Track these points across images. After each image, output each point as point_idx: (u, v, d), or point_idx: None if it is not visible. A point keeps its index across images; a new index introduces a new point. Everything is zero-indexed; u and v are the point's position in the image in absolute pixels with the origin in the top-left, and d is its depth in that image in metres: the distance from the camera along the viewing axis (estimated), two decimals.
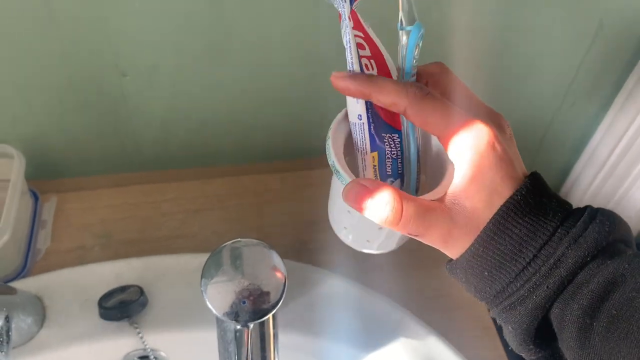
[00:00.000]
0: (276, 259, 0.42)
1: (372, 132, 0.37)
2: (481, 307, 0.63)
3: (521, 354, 0.35)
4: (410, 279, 0.64)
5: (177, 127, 0.73)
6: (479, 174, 0.32)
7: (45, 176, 0.71)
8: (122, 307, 0.55)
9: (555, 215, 0.32)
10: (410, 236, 0.34)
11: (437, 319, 0.59)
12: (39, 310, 0.55)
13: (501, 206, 0.32)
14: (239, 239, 0.42)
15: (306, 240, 0.66)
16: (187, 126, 0.73)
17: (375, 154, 0.37)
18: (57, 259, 0.63)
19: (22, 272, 0.61)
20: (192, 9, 0.60)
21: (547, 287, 0.32)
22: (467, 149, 0.32)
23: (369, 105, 0.36)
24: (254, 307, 0.40)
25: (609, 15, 0.72)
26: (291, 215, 0.70)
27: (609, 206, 0.92)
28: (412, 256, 0.66)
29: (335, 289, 0.60)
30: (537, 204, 0.32)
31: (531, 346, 0.34)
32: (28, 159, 0.64)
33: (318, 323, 0.58)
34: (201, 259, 0.42)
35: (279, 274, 0.41)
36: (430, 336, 0.58)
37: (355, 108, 0.36)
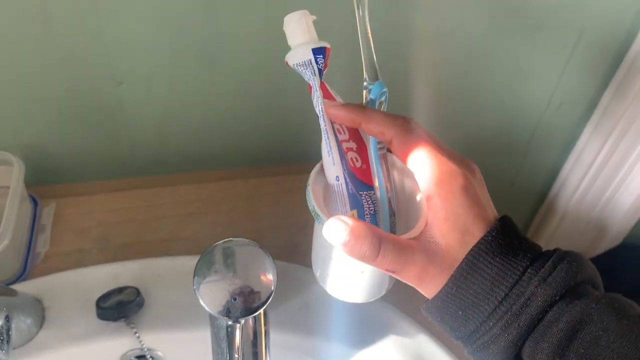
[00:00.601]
0: (266, 258, 0.43)
1: (350, 191, 0.38)
2: None
3: None
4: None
5: (172, 133, 0.75)
6: (453, 214, 0.34)
7: (44, 182, 0.73)
8: (120, 307, 0.56)
9: (525, 256, 0.34)
10: (387, 273, 0.36)
11: (428, 319, 0.61)
12: (39, 311, 0.56)
13: (473, 247, 0.34)
14: (231, 239, 0.44)
15: (299, 243, 0.68)
16: (181, 132, 0.75)
17: (355, 211, 0.39)
18: (56, 262, 0.64)
19: (22, 275, 0.62)
20: (187, 19, 0.62)
21: (519, 325, 0.33)
22: (441, 191, 0.35)
23: (345, 167, 0.38)
24: (245, 303, 0.42)
25: (589, 23, 0.73)
26: (284, 218, 0.71)
27: (598, 207, 0.94)
28: None
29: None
30: (508, 245, 0.34)
31: None
32: (27, 165, 0.65)
33: (310, 322, 0.59)
34: (196, 261, 0.43)
35: (269, 272, 0.43)
36: (420, 335, 0.59)
37: (332, 171, 0.39)
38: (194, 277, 0.42)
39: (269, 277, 0.42)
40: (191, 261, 0.59)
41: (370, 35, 0.38)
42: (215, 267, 0.42)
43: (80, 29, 0.60)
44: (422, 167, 0.36)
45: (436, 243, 0.35)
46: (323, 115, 0.38)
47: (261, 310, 0.42)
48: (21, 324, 0.53)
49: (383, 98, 0.39)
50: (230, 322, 0.42)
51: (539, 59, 0.78)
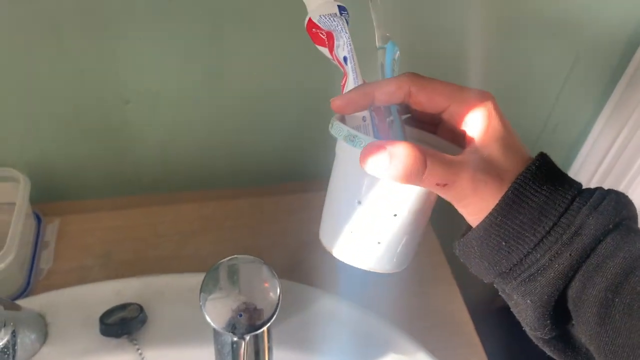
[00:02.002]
0: (271, 275, 0.44)
1: (377, 128, 0.38)
2: (469, 325, 0.65)
3: (535, 333, 0.34)
4: (400, 296, 0.66)
5: (175, 152, 0.75)
6: (492, 127, 0.34)
7: (49, 199, 0.74)
8: (123, 324, 0.56)
9: (571, 187, 0.33)
10: (438, 191, 0.33)
11: (426, 336, 0.61)
12: (42, 327, 0.57)
13: (519, 175, 0.32)
14: (236, 256, 0.44)
15: (300, 260, 0.68)
16: (185, 151, 0.76)
17: None
18: (59, 278, 0.65)
19: (26, 290, 0.63)
20: (194, 41, 0.63)
21: (570, 254, 0.31)
22: (477, 107, 0.34)
23: (370, 110, 0.38)
24: (250, 320, 0.42)
25: (585, 46, 0.75)
26: (285, 236, 0.72)
27: None
28: (401, 274, 0.68)
29: (328, 307, 0.62)
30: (553, 176, 0.33)
31: (548, 321, 0.33)
32: (33, 182, 0.66)
33: (311, 340, 0.59)
34: (198, 278, 0.44)
35: (273, 289, 0.43)
36: (419, 352, 0.59)
37: (359, 113, 0.38)
38: (200, 294, 0.43)
39: (274, 294, 0.43)
40: (193, 278, 0.60)
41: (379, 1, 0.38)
42: (221, 284, 0.43)
43: (90, 48, 0.61)
44: (450, 95, 0.35)
45: (480, 152, 0.33)
46: (352, 55, 0.37)
47: (266, 327, 0.43)
48: (25, 339, 0.53)
49: (396, 56, 0.39)
50: (235, 339, 0.43)
51: (536, 81, 0.79)
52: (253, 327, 0.42)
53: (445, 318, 0.65)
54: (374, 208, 0.36)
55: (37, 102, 0.65)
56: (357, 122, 0.38)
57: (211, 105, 0.71)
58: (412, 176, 0.32)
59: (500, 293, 0.36)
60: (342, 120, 0.38)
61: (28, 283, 0.64)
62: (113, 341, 0.57)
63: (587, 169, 0.92)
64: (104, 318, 0.57)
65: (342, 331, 0.60)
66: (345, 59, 0.38)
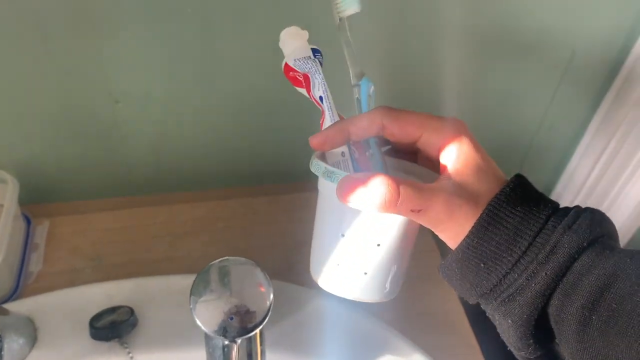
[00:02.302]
0: (263, 277, 0.43)
1: (356, 162, 0.40)
2: (466, 326, 0.64)
3: (520, 353, 0.35)
4: (396, 297, 0.66)
5: (167, 152, 0.75)
6: (464, 153, 0.35)
7: (38, 200, 0.73)
8: (113, 327, 0.56)
9: (545, 206, 0.33)
10: (415, 217, 0.34)
11: (423, 338, 0.61)
12: (31, 331, 0.56)
13: (493, 197, 0.33)
14: (227, 258, 0.44)
15: (294, 262, 0.68)
16: (177, 151, 0.75)
17: None
18: (48, 281, 0.64)
19: (14, 294, 0.62)
20: (184, 40, 0.62)
21: (546, 273, 0.32)
22: (449, 135, 0.35)
23: (349, 145, 0.40)
24: (242, 323, 0.42)
25: (580, 43, 0.75)
26: (279, 237, 0.71)
27: None
28: None
29: (323, 308, 0.61)
30: (527, 197, 0.34)
31: (531, 341, 0.33)
32: (21, 183, 0.65)
33: (306, 342, 0.59)
34: (190, 280, 0.43)
35: (265, 291, 0.43)
36: (415, 354, 0.59)
37: (338, 149, 0.40)
38: (190, 296, 0.42)
39: (266, 296, 0.42)
40: (185, 280, 0.59)
41: (350, 39, 0.40)
42: (212, 286, 0.42)
43: (78, 48, 0.60)
44: (422, 126, 0.36)
45: (454, 181, 0.34)
46: (327, 94, 0.40)
47: (258, 330, 0.42)
48: (13, 344, 0.53)
49: (371, 91, 0.41)
50: (226, 342, 0.42)
51: (530, 81, 0.79)
52: (244, 330, 0.41)
53: (442, 319, 0.65)
54: (357, 239, 0.38)
55: (25, 102, 0.64)
56: (337, 157, 0.40)
57: (202, 105, 0.70)
58: (388, 204, 0.33)
59: (487, 314, 0.36)
60: (323, 157, 0.40)
61: (17, 286, 0.63)
62: (103, 345, 0.56)
63: (580, 173, 0.91)
64: (94, 321, 0.56)
65: (337, 332, 0.60)
66: (321, 98, 0.40)
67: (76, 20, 0.58)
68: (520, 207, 0.33)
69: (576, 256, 0.32)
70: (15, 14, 0.56)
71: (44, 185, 0.73)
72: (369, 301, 0.40)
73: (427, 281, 0.67)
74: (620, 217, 0.92)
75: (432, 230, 0.35)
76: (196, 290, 0.42)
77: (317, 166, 0.37)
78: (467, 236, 0.34)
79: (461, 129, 0.36)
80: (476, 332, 0.64)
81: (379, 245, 0.38)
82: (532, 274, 0.32)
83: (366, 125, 0.37)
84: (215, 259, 0.44)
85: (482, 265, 0.33)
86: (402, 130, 0.37)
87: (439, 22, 0.68)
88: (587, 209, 0.34)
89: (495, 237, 0.33)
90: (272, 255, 0.69)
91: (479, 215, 0.33)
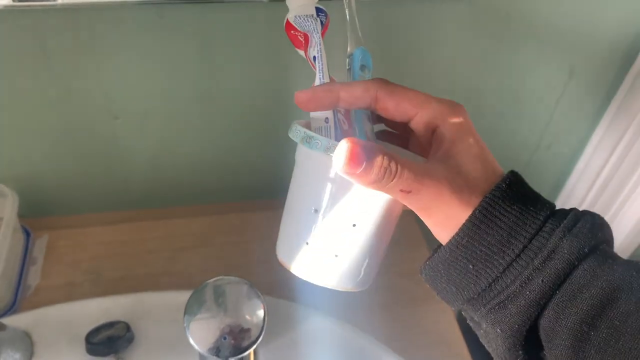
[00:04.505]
0: (257, 297, 0.44)
1: (340, 133, 0.37)
2: (460, 344, 0.64)
3: None
4: (391, 316, 0.66)
5: (165, 167, 0.75)
6: (462, 137, 0.32)
7: (37, 214, 0.73)
8: (109, 342, 0.56)
9: (543, 207, 0.30)
10: (403, 198, 0.31)
11: (417, 355, 0.61)
12: (27, 346, 0.56)
13: (487, 194, 0.30)
14: (222, 277, 0.44)
15: (290, 278, 0.67)
16: (175, 166, 0.75)
17: None
18: (46, 295, 0.64)
19: (12, 307, 0.62)
20: (182, 57, 0.63)
21: (542, 280, 0.29)
22: (448, 116, 0.32)
23: (335, 112, 0.37)
24: (235, 342, 0.42)
25: (579, 61, 0.75)
26: (275, 253, 0.71)
27: None
28: (391, 293, 0.68)
29: (318, 325, 0.61)
30: (524, 195, 0.31)
31: (520, 352, 0.30)
32: (21, 197, 0.66)
33: (300, 359, 0.59)
34: (187, 296, 0.43)
35: (259, 311, 0.43)
36: None
37: (322, 114, 0.36)
38: (184, 315, 0.42)
39: (259, 316, 0.43)
40: (182, 296, 0.60)
41: (354, 6, 0.38)
42: (206, 305, 0.43)
43: (78, 64, 0.61)
44: (420, 103, 0.33)
45: (448, 162, 0.31)
46: (321, 55, 0.37)
47: (251, 350, 0.42)
48: (9, 359, 0.53)
49: (366, 62, 0.38)
50: None
51: (529, 99, 0.79)
52: (238, 349, 0.42)
53: (437, 336, 0.65)
54: (332, 217, 0.34)
55: (25, 117, 0.65)
56: (319, 123, 0.36)
57: (201, 121, 0.70)
58: (381, 180, 0.29)
59: (468, 321, 0.34)
60: (306, 125, 0.36)
61: (15, 300, 0.63)
62: None
63: (582, 186, 0.92)
64: (90, 337, 0.56)
65: (332, 351, 0.60)
66: (314, 58, 0.37)
67: (76, 38, 0.59)
68: (516, 205, 0.30)
69: (576, 263, 0.29)
70: (16, 31, 0.57)
71: (44, 198, 0.74)
72: (338, 288, 0.36)
73: (422, 298, 0.67)
74: (618, 237, 0.92)
75: (419, 214, 0.32)
76: (190, 310, 0.42)
77: (296, 131, 0.34)
78: (457, 234, 0.31)
79: (461, 112, 0.33)
80: (470, 348, 0.64)
81: (354, 225, 0.34)
82: (527, 281, 0.29)
83: (359, 94, 0.34)
84: (213, 274, 0.44)
85: (470, 266, 0.30)
86: (397, 106, 0.34)
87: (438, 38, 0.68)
88: (586, 212, 0.31)
89: (487, 237, 0.30)
90: (269, 270, 0.68)
91: (471, 202, 0.30)
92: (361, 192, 0.33)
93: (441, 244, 0.33)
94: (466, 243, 0.30)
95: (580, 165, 0.90)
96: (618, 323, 0.27)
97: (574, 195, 0.93)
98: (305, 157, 0.35)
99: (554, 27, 0.70)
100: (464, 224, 0.30)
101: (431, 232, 0.38)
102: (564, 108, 0.81)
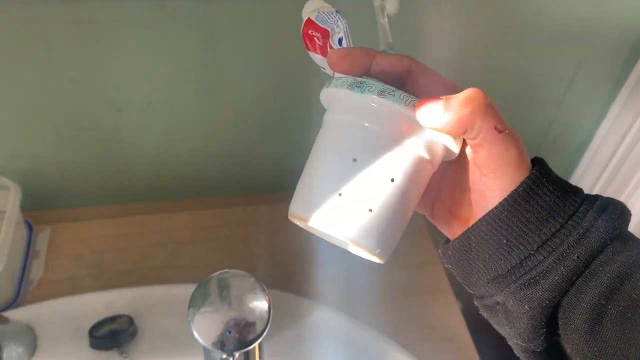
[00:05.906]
0: (262, 290, 0.43)
1: None
2: (466, 337, 0.64)
3: (528, 345, 0.32)
4: (396, 309, 0.65)
5: (169, 160, 0.75)
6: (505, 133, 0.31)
7: (40, 207, 0.73)
8: (112, 336, 0.56)
9: (577, 190, 0.31)
10: (493, 138, 0.31)
11: (422, 349, 0.61)
12: (31, 339, 0.56)
13: (531, 173, 0.31)
14: (226, 270, 0.43)
15: (295, 272, 0.68)
16: (178, 159, 0.75)
17: None
18: (49, 289, 0.64)
19: (15, 301, 0.62)
20: (186, 50, 0.62)
21: (577, 257, 0.30)
22: (489, 107, 0.32)
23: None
24: (240, 336, 0.41)
25: (586, 54, 0.74)
26: (280, 246, 0.71)
27: None
28: (397, 287, 0.67)
29: (323, 319, 0.61)
30: (558, 178, 0.32)
31: (544, 330, 0.31)
32: (24, 190, 0.65)
33: (305, 353, 0.58)
34: (191, 289, 0.43)
35: (264, 305, 0.43)
36: None
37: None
38: (189, 309, 0.42)
39: (264, 310, 0.42)
40: (186, 290, 0.59)
41: (385, 10, 0.38)
42: (211, 299, 0.42)
43: (81, 56, 0.60)
44: (452, 90, 0.33)
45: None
46: (348, 35, 0.36)
47: (256, 344, 0.42)
48: (12, 352, 0.53)
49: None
50: (224, 356, 0.42)
51: (537, 91, 0.79)
52: (243, 343, 0.41)
53: (443, 331, 0.64)
54: (372, 168, 0.33)
55: (27, 110, 0.65)
56: None
57: (204, 114, 0.70)
58: (483, 107, 0.30)
59: (481, 311, 0.34)
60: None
61: (18, 294, 0.63)
62: (103, 354, 0.56)
63: (590, 177, 0.91)
64: (93, 330, 0.56)
65: (337, 344, 0.60)
66: (340, 40, 0.36)
67: (79, 29, 0.58)
68: (557, 185, 0.31)
69: (608, 242, 0.30)
70: (19, 22, 0.56)
71: (46, 192, 0.74)
72: (361, 246, 0.33)
73: (428, 292, 0.67)
74: None
75: (481, 167, 0.32)
76: (195, 303, 0.42)
77: (341, 80, 0.33)
78: (497, 207, 0.31)
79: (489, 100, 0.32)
80: (477, 345, 0.64)
81: (392, 180, 0.33)
82: (561, 257, 0.30)
83: (394, 61, 0.34)
84: (216, 268, 0.44)
85: (504, 241, 0.31)
86: (428, 81, 0.34)
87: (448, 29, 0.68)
88: (612, 198, 0.32)
89: (527, 214, 0.30)
90: (273, 264, 0.69)
91: (523, 176, 0.31)
92: (401, 148, 0.33)
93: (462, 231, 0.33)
94: (504, 217, 0.31)
95: (587, 157, 0.90)
96: (635, 295, 0.28)
97: (582, 185, 0.92)
98: (348, 105, 0.34)
99: (561, 19, 0.70)
100: (505, 198, 0.31)
101: (436, 228, 0.38)
102: (571, 100, 0.81)
